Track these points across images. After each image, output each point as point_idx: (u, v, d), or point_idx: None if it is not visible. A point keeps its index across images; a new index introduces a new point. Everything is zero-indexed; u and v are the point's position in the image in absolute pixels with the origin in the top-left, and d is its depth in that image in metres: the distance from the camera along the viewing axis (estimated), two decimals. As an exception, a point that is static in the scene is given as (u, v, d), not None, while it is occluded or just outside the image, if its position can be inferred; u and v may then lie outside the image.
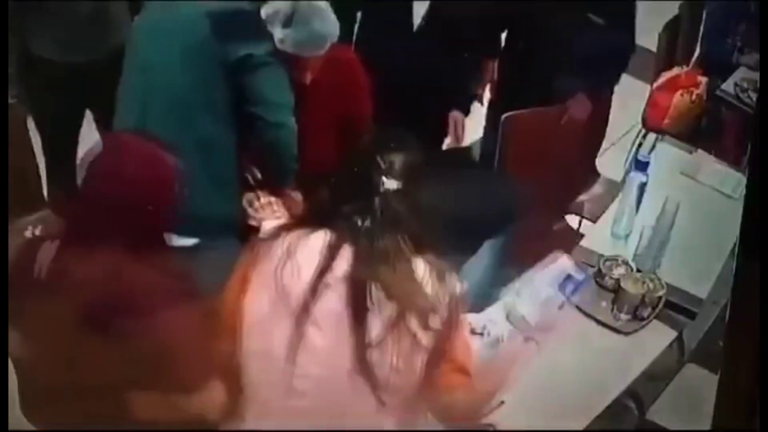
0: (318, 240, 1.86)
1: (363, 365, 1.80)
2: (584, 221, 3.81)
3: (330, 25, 2.78)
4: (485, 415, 2.05)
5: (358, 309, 1.81)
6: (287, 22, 2.71)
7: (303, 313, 1.82)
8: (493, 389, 2.00)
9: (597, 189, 3.96)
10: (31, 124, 3.38)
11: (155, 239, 2.01)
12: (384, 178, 1.84)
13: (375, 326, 1.81)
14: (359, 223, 1.84)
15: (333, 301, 1.82)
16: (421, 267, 1.86)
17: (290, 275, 1.83)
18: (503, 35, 3.75)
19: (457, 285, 1.89)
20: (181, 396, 1.83)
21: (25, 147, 3.28)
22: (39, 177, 3.38)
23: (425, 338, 1.82)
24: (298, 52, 2.75)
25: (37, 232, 3.28)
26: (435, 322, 1.83)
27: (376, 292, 1.81)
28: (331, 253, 1.84)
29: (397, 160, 1.87)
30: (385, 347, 1.81)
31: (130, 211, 1.92)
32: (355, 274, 1.82)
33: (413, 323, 1.82)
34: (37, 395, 2.10)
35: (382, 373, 1.81)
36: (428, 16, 3.29)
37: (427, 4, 3.30)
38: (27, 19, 3.08)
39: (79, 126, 3.45)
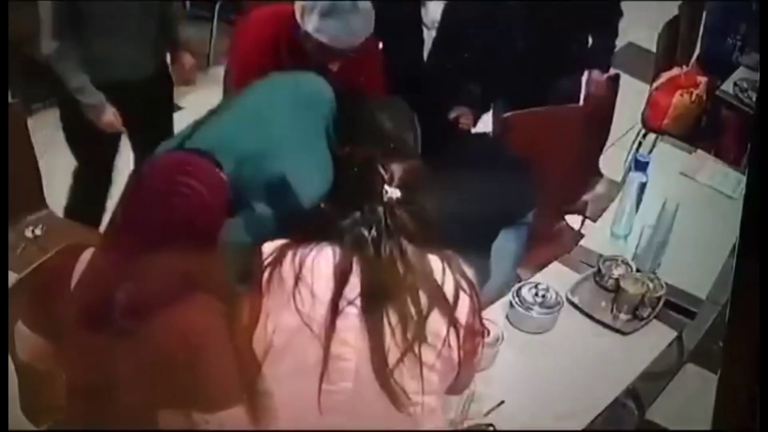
0: (327, 256, 1.85)
1: (386, 378, 1.80)
2: (578, 219, 3.81)
3: (366, 20, 2.86)
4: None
5: (376, 321, 1.80)
6: (324, 13, 2.79)
7: (328, 331, 1.81)
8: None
9: (599, 189, 3.96)
10: (31, 124, 3.38)
11: (202, 253, 1.94)
12: (387, 187, 1.84)
13: (395, 338, 1.80)
14: (366, 233, 1.83)
15: (352, 316, 1.82)
16: (436, 269, 1.86)
17: (307, 296, 1.82)
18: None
19: (473, 285, 1.89)
20: (204, 413, 1.81)
21: (25, 147, 3.28)
22: (39, 177, 3.38)
23: (447, 344, 1.83)
24: (333, 43, 2.82)
25: (38, 232, 3.31)
26: (457, 325, 1.84)
27: (392, 303, 1.81)
28: (343, 269, 1.83)
29: (399, 167, 1.86)
30: (408, 358, 1.80)
31: (182, 225, 1.87)
32: (369, 286, 1.81)
33: (433, 329, 1.82)
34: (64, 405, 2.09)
35: (407, 384, 1.81)
36: (436, 44, 3.32)
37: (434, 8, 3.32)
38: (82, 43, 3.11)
39: (118, 145, 3.46)
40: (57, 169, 3.73)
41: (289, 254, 1.87)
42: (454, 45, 3.33)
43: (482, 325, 1.96)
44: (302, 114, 2.57)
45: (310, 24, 2.81)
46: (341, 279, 1.82)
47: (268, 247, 1.92)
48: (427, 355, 1.82)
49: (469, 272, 1.90)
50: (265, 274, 1.88)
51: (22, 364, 2.06)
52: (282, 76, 2.69)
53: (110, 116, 3.17)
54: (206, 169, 1.93)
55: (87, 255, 1.91)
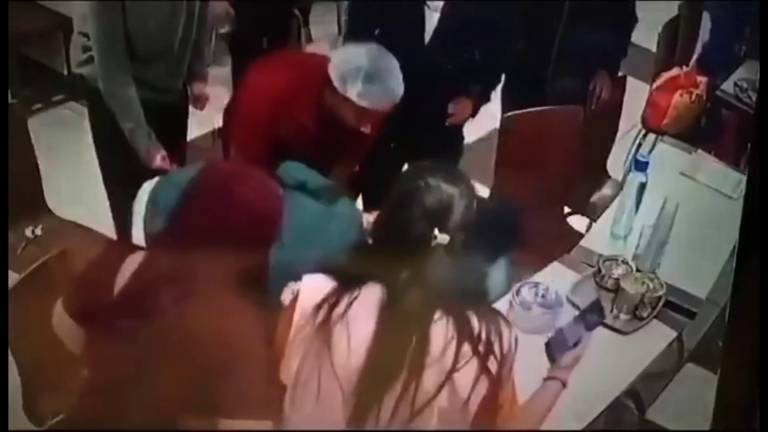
0: (368, 298, 1.83)
1: (412, 421, 1.79)
2: (585, 221, 3.82)
3: (400, 82, 2.89)
4: None
5: (412, 365, 1.79)
6: (367, 79, 2.81)
7: (363, 374, 1.80)
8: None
9: (605, 190, 3.98)
10: (31, 124, 3.38)
11: (253, 264, 1.93)
12: (436, 232, 1.80)
13: (429, 382, 1.79)
14: (405, 277, 1.81)
15: (388, 358, 1.80)
16: (472, 318, 1.83)
17: (345, 338, 1.81)
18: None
19: (508, 331, 1.86)
20: (226, 418, 1.81)
21: (25, 147, 3.28)
22: (39, 177, 3.39)
23: (480, 390, 1.81)
24: (373, 106, 2.85)
25: (38, 232, 3.31)
26: (490, 370, 1.82)
27: (426, 346, 1.79)
28: (383, 311, 1.81)
29: (449, 212, 1.83)
30: (440, 402, 1.79)
31: (236, 233, 1.86)
32: (409, 329, 1.80)
33: (467, 377, 1.80)
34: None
35: (431, 426, 1.80)
36: (440, 25, 3.31)
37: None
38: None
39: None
40: (57, 169, 3.74)
41: (335, 295, 1.85)
42: (457, 32, 3.31)
43: (511, 366, 1.89)
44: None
45: (354, 90, 2.81)
46: (381, 323, 1.80)
47: (315, 284, 1.90)
48: (444, 404, 1.80)
49: (506, 338, 1.85)
50: (305, 306, 1.86)
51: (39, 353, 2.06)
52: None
53: (159, 160, 3.14)
54: (263, 181, 1.92)
55: (135, 259, 1.90)
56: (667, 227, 2.82)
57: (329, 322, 1.83)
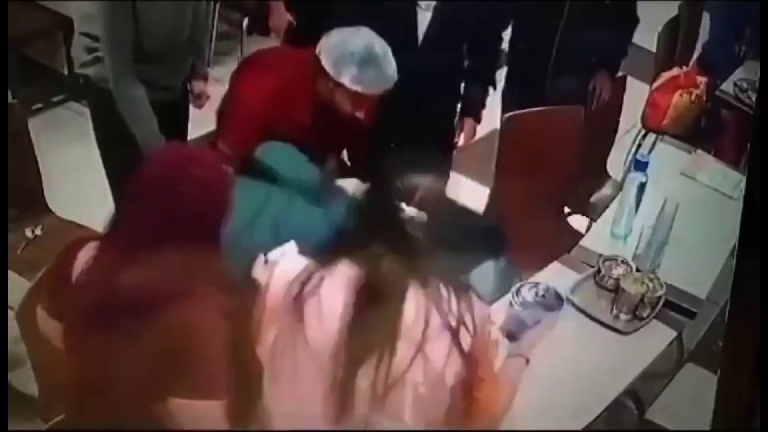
0: (340, 274, 1.85)
1: (387, 395, 1.80)
2: (585, 221, 3.82)
3: (393, 67, 2.89)
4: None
5: (385, 339, 1.80)
6: (361, 63, 2.81)
7: (336, 349, 1.81)
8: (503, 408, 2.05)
9: (605, 190, 3.98)
10: (31, 124, 3.38)
11: (204, 245, 1.93)
12: (404, 206, 1.83)
13: (402, 356, 1.80)
14: (379, 252, 1.83)
15: (360, 333, 1.81)
16: (443, 292, 1.85)
17: (317, 313, 1.82)
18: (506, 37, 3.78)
19: (480, 306, 1.88)
20: (191, 399, 1.82)
21: (25, 147, 3.28)
22: (39, 177, 3.38)
23: (453, 364, 1.82)
24: (367, 90, 2.84)
25: (38, 232, 3.31)
26: (463, 346, 1.83)
27: (399, 320, 1.80)
28: (355, 287, 1.82)
29: (419, 186, 1.86)
30: (414, 376, 1.80)
31: (185, 214, 1.86)
32: (381, 304, 1.81)
33: (439, 351, 1.81)
34: (60, 395, 2.10)
35: (407, 402, 1.81)
36: (432, 25, 3.30)
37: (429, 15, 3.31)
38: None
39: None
40: (57, 169, 3.73)
41: (307, 272, 1.87)
42: (450, 32, 3.30)
43: (477, 364, 1.90)
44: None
45: (347, 75, 2.81)
46: (351, 300, 1.81)
47: (287, 263, 1.93)
48: (418, 378, 1.81)
49: (480, 312, 1.88)
50: (279, 283, 1.88)
51: (41, 348, 2.08)
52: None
53: None
54: (211, 161, 1.92)
55: (91, 246, 1.91)
56: (667, 227, 2.82)
57: (302, 297, 1.84)
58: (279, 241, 2.29)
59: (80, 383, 1.93)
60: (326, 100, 2.89)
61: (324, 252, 1.92)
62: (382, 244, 1.84)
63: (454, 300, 1.84)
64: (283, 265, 1.94)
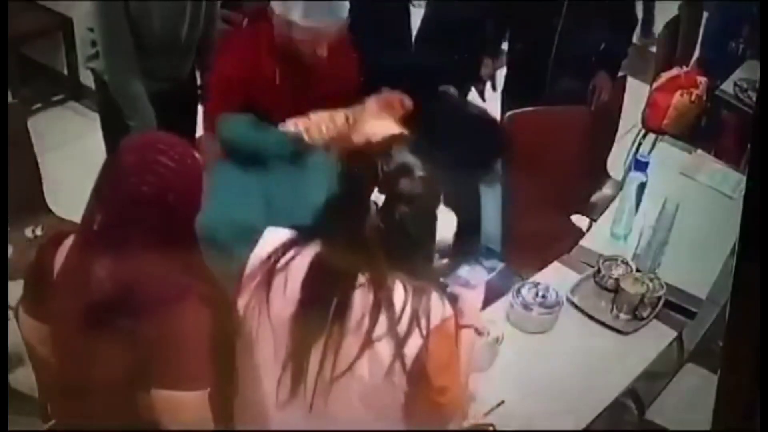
0: (308, 257, 1.86)
1: (329, 384, 1.82)
2: (585, 221, 3.82)
3: (343, 2, 2.86)
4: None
5: (333, 328, 1.81)
6: None
7: (292, 330, 1.84)
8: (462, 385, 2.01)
9: (606, 190, 3.98)
10: (31, 124, 3.39)
11: (178, 234, 1.92)
12: (377, 192, 1.81)
13: (349, 349, 1.80)
14: (350, 235, 1.83)
15: (322, 318, 1.82)
16: (399, 285, 1.83)
17: (281, 290, 1.85)
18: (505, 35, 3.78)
19: (440, 309, 1.85)
20: (171, 390, 1.82)
21: (25, 147, 3.28)
22: (39, 177, 3.39)
23: (399, 366, 1.81)
24: (319, 24, 2.82)
25: (38, 232, 3.31)
26: (411, 345, 1.81)
27: (347, 309, 1.81)
28: (321, 268, 1.84)
29: (399, 174, 1.83)
30: (359, 370, 1.81)
31: (154, 202, 1.85)
32: (343, 288, 1.82)
33: (384, 351, 1.80)
34: (52, 393, 2.10)
35: (353, 393, 1.82)
36: (426, 20, 3.30)
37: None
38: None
39: None
40: (57, 169, 3.73)
41: (280, 250, 1.89)
42: (443, 29, 3.31)
43: (425, 368, 1.86)
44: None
45: (296, 12, 2.79)
46: (310, 281, 1.84)
47: (263, 244, 1.94)
48: (367, 374, 1.81)
49: (435, 314, 1.84)
50: (257, 257, 1.91)
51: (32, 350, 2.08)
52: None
53: None
54: (180, 149, 1.91)
55: (69, 241, 1.92)
56: (667, 227, 2.82)
57: (273, 272, 1.87)
58: (272, 219, 2.30)
59: (61, 381, 1.94)
60: (287, 47, 2.89)
61: (304, 230, 1.93)
62: (347, 231, 1.84)
63: (410, 301, 1.81)
64: (265, 240, 1.94)
